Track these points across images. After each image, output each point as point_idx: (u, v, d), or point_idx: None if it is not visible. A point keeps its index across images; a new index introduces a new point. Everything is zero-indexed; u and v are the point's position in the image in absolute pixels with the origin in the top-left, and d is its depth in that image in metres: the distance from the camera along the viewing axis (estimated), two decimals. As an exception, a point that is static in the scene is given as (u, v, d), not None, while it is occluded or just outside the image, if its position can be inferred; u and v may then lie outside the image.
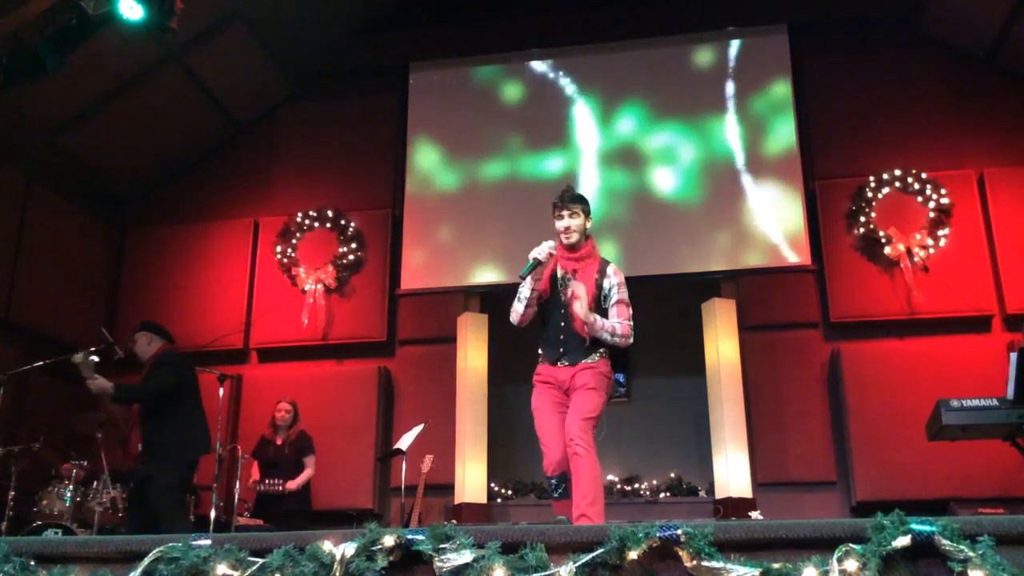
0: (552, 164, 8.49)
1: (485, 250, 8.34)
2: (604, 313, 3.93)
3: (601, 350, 3.91)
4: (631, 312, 3.96)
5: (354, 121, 8.90)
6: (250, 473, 6.95)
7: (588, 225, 4.08)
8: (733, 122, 8.32)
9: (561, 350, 3.92)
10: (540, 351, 4.05)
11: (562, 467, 3.79)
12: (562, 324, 3.93)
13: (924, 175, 7.69)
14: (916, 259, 7.48)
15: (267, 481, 6.75)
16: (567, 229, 4.00)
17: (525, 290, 3.96)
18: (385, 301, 8.32)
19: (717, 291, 7.95)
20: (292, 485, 6.74)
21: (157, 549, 2.47)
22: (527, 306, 3.99)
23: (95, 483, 6.28)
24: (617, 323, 3.89)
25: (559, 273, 4.02)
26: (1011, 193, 7.57)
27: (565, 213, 4.01)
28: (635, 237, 8.10)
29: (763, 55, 8.44)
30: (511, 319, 4.06)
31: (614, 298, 3.95)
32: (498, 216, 8.42)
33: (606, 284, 3.97)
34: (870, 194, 7.73)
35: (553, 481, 3.87)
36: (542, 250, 3.91)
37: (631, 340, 3.93)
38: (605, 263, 4.04)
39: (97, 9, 5.90)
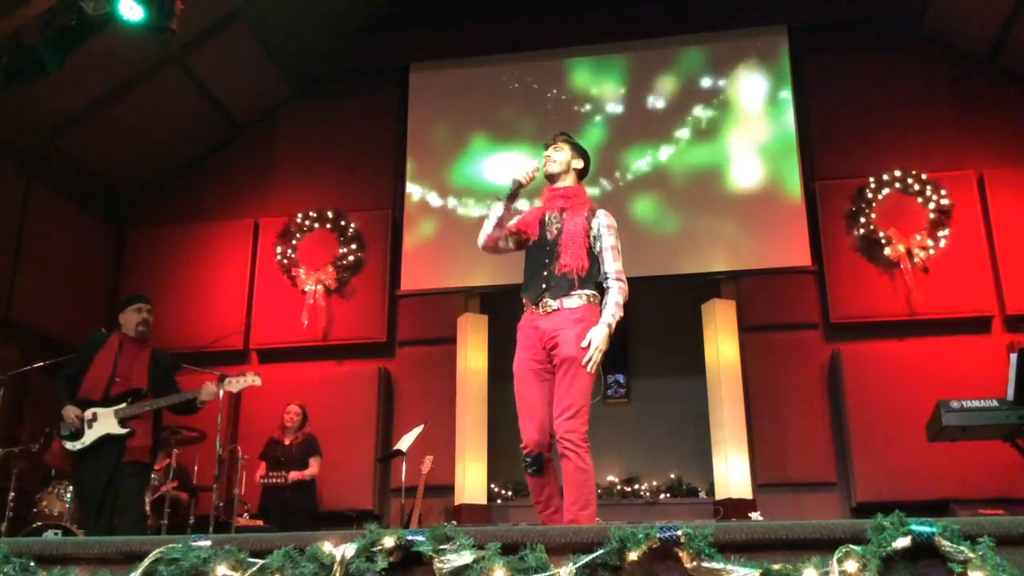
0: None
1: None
2: (594, 257, 3.73)
3: (588, 292, 3.67)
4: (620, 258, 3.77)
5: (354, 122, 8.90)
6: (256, 474, 6.97)
7: (576, 165, 3.90)
8: (733, 122, 8.32)
9: (544, 286, 3.67)
10: (523, 297, 3.79)
11: (539, 448, 3.58)
12: (546, 261, 3.71)
13: (924, 176, 7.70)
14: (916, 260, 7.48)
15: (271, 473, 6.81)
16: (547, 158, 3.87)
17: (497, 208, 3.82)
18: (385, 302, 8.32)
19: (717, 292, 7.95)
20: (294, 475, 6.78)
21: (157, 550, 2.47)
22: (495, 225, 3.83)
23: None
24: (615, 288, 3.68)
25: (546, 215, 3.84)
26: (1011, 194, 7.58)
27: (550, 148, 3.91)
28: (635, 237, 8.09)
29: (763, 56, 8.44)
30: (478, 241, 3.91)
31: (605, 241, 3.73)
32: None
33: (595, 224, 3.75)
34: (870, 195, 7.74)
35: (528, 459, 3.63)
36: (520, 170, 3.78)
37: (626, 286, 3.74)
38: (596, 206, 3.85)
39: (97, 10, 5.91)
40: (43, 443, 6.33)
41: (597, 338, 3.56)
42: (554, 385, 3.64)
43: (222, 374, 6.21)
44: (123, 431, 4.86)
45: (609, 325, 3.60)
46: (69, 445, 4.90)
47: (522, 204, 8.38)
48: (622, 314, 3.67)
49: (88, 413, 4.90)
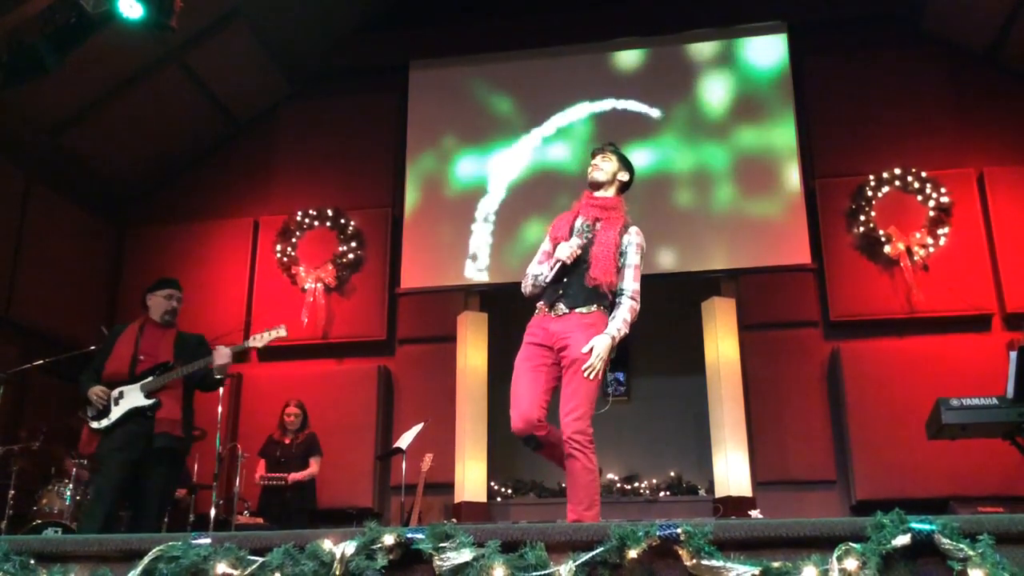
0: (552, 162, 8.48)
1: (485, 249, 8.35)
2: (619, 270, 3.75)
3: (603, 304, 3.70)
4: (640, 279, 3.78)
5: (354, 120, 8.90)
6: (255, 471, 6.97)
7: (622, 178, 3.91)
8: (733, 120, 8.31)
9: (561, 292, 3.70)
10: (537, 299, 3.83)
11: (525, 432, 3.58)
12: (570, 267, 3.71)
13: (924, 174, 7.69)
14: (916, 258, 7.48)
15: (270, 475, 6.81)
16: (594, 166, 3.87)
17: (541, 280, 3.75)
18: (385, 300, 8.32)
19: (717, 290, 7.95)
20: (294, 476, 6.78)
21: (157, 548, 2.47)
22: (541, 288, 3.79)
23: (95, 482, 6.27)
24: (627, 306, 3.70)
25: (579, 221, 3.84)
26: (1011, 192, 7.58)
27: (599, 156, 3.91)
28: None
29: (763, 54, 8.44)
30: (523, 288, 3.87)
31: (630, 259, 3.76)
32: (498, 214, 8.42)
33: (625, 240, 3.77)
34: (870, 193, 7.74)
35: (521, 439, 3.66)
36: (565, 252, 3.69)
37: (638, 305, 3.75)
38: (629, 223, 3.87)
39: (97, 8, 5.91)
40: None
41: (599, 346, 3.57)
42: (548, 378, 3.65)
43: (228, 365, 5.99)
44: (149, 402, 4.70)
45: (613, 337, 3.62)
46: (95, 424, 4.73)
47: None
48: (628, 331, 3.69)
49: (115, 392, 4.74)
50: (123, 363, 4.79)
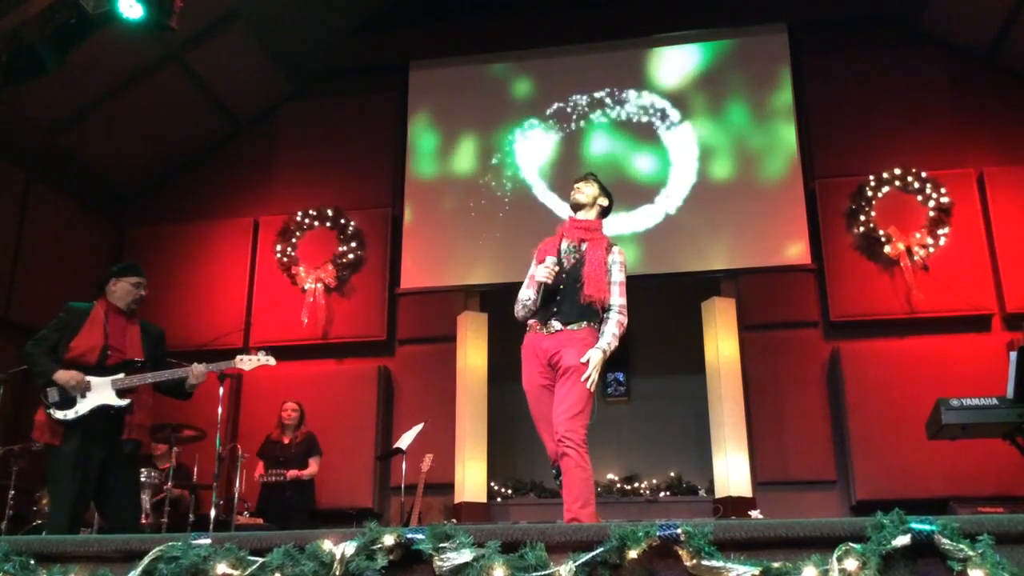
0: (552, 162, 8.48)
1: (485, 249, 8.35)
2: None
3: (593, 321, 3.92)
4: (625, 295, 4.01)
5: (354, 120, 8.90)
6: (254, 472, 6.97)
7: (602, 203, 4.13)
8: (733, 121, 8.32)
9: (555, 309, 3.91)
10: (530, 318, 4.04)
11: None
12: (561, 287, 3.92)
13: (924, 174, 7.70)
14: (916, 258, 7.48)
15: (271, 471, 6.81)
16: (577, 189, 4.11)
17: (530, 303, 3.97)
18: (385, 300, 8.32)
19: (717, 290, 7.95)
20: (293, 473, 6.78)
21: (157, 548, 2.47)
22: (532, 312, 4.01)
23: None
24: (615, 320, 3.92)
25: (564, 244, 4.03)
26: (1011, 192, 7.58)
27: (581, 182, 4.14)
28: (635, 236, 8.10)
29: (763, 54, 8.44)
30: (515, 312, 4.09)
31: (615, 276, 3.97)
32: (498, 215, 8.42)
33: (610, 259, 3.99)
34: (870, 193, 7.74)
35: (554, 471, 3.87)
36: (543, 273, 3.90)
37: (626, 320, 3.97)
38: (612, 243, 4.09)
39: (97, 8, 5.92)
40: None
41: (595, 358, 3.79)
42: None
43: (221, 372, 6.00)
44: (121, 403, 4.37)
45: (604, 351, 3.84)
46: (59, 414, 4.30)
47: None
48: (618, 344, 3.90)
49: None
50: (93, 353, 4.44)
